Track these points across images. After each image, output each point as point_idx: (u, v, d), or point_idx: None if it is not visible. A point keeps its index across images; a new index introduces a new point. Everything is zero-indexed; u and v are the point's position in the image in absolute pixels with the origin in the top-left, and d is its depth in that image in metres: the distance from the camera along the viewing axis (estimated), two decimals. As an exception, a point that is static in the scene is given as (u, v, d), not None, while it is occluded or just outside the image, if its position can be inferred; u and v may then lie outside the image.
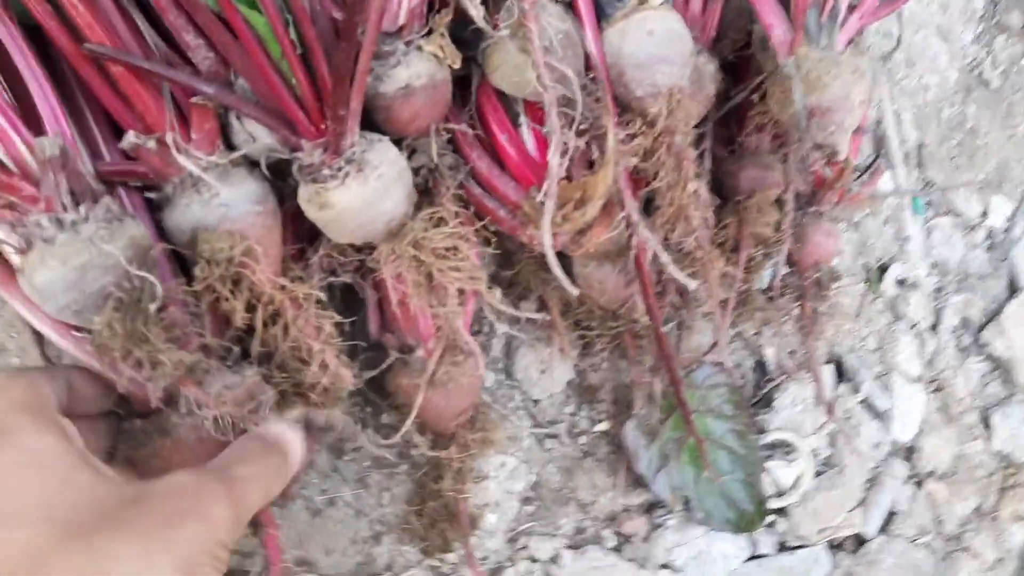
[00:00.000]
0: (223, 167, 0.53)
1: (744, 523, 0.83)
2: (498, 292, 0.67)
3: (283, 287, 0.53)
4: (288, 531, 0.72)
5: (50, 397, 0.46)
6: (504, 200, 0.67)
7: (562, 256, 0.65)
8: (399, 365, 0.69)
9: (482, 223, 0.66)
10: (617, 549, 0.82)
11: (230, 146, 0.56)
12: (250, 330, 0.56)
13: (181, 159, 0.51)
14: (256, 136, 0.55)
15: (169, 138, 0.51)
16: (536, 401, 0.81)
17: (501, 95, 0.66)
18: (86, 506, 0.41)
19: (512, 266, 0.76)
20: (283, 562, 0.62)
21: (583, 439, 0.82)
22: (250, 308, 0.53)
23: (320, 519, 0.73)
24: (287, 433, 0.52)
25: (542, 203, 0.60)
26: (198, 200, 0.51)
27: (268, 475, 0.49)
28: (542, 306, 0.78)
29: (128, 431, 0.55)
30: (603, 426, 0.83)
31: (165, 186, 0.52)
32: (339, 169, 0.53)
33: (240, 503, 0.45)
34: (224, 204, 0.52)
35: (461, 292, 0.67)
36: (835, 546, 0.93)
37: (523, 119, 0.67)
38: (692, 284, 0.65)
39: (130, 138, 0.51)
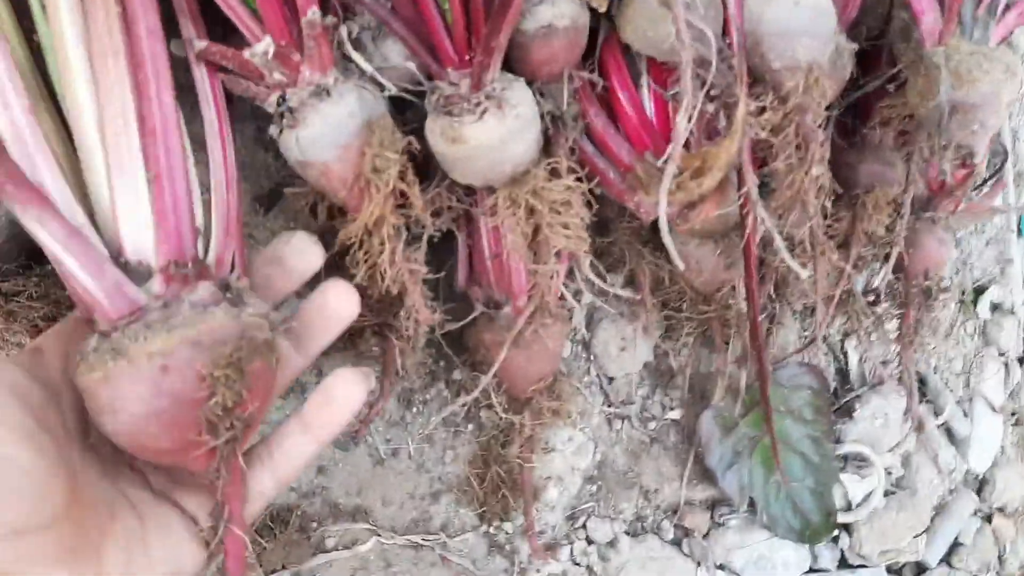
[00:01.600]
0: (353, 84, 0.51)
1: (809, 533, 0.79)
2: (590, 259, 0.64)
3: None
4: (349, 477, 0.70)
5: None
6: (616, 161, 0.64)
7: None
8: (484, 320, 0.67)
9: (589, 185, 0.64)
10: (676, 542, 0.79)
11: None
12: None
13: (309, 72, 0.49)
14: (390, 60, 0.53)
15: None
16: (611, 379, 0.78)
17: (626, 52, 0.63)
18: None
19: (607, 234, 0.73)
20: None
21: (653, 424, 0.79)
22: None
23: (382, 468, 0.71)
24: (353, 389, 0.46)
25: (658, 168, 0.57)
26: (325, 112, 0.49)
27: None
28: (630, 280, 0.76)
29: None
30: (675, 414, 0.80)
31: (290, 98, 0.50)
32: (477, 104, 0.51)
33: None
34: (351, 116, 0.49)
35: (558, 253, 0.65)
36: (894, 571, 0.90)
37: (645, 79, 0.64)
38: (804, 274, 0.62)
39: (265, 45, 0.49)
